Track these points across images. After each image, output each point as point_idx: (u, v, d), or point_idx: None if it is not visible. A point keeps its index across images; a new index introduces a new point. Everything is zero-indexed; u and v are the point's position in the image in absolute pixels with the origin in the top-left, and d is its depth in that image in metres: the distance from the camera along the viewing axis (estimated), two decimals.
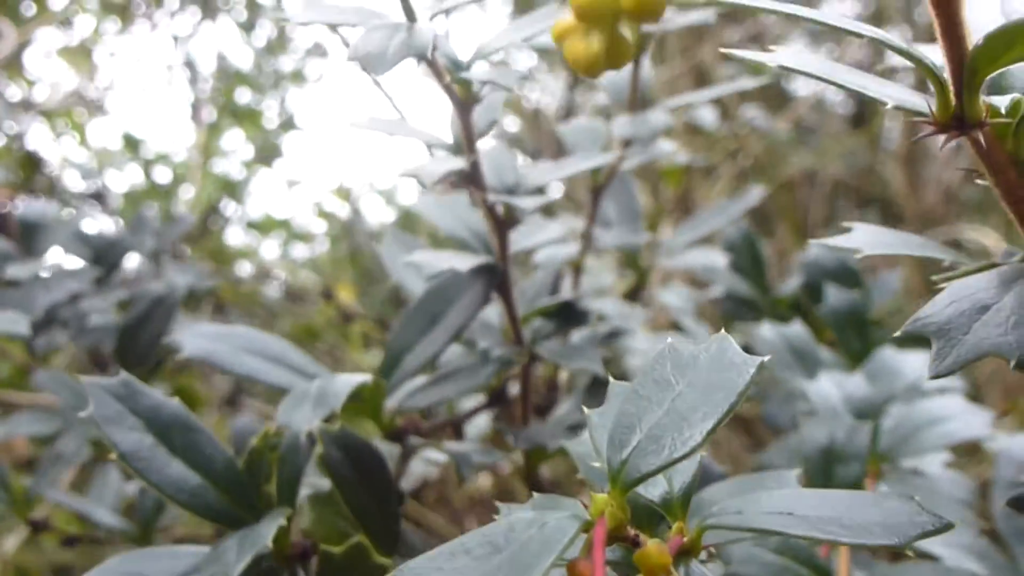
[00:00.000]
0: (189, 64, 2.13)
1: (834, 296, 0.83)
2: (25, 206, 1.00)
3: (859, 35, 0.32)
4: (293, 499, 0.44)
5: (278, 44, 2.18)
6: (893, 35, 0.36)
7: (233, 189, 2.20)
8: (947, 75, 0.33)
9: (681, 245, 0.86)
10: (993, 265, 0.41)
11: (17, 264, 0.92)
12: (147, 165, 2.08)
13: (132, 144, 2.08)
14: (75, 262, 1.00)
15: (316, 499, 0.47)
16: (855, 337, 0.80)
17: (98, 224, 1.87)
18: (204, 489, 0.44)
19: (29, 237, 0.98)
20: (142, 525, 0.92)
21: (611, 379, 0.39)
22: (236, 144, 2.19)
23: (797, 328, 0.77)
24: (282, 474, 0.44)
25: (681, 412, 0.33)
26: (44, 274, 0.93)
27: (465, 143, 0.46)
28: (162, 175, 2.09)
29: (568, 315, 0.57)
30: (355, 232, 2.18)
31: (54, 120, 1.98)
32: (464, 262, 0.49)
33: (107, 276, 0.99)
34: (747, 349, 0.93)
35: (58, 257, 0.99)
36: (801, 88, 2.54)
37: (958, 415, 0.69)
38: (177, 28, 2.10)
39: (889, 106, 0.35)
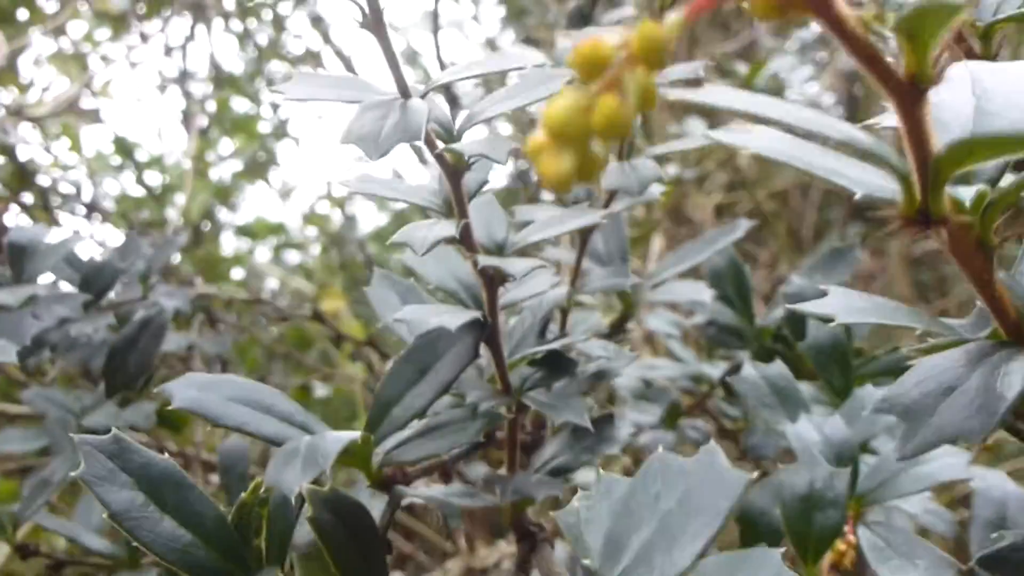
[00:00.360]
0: (182, 72, 2.14)
1: (815, 331, 0.85)
2: (15, 230, 1.00)
3: (828, 137, 0.33)
4: (283, 557, 0.45)
5: (271, 51, 2.18)
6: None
7: (226, 195, 2.21)
8: (912, 171, 0.34)
9: (667, 278, 0.87)
10: (963, 341, 0.43)
11: (5, 290, 0.92)
12: (140, 171, 2.08)
13: (125, 150, 2.08)
14: (64, 286, 1.01)
15: (304, 556, 0.48)
16: (837, 373, 0.82)
17: (90, 235, 1.87)
18: (195, 547, 0.45)
19: (18, 261, 0.98)
20: (129, 548, 0.93)
21: (600, 471, 0.40)
22: (230, 151, 2.20)
23: (778, 367, 0.78)
24: (272, 532, 0.45)
25: (671, 531, 0.34)
26: (33, 300, 0.93)
27: (456, 208, 0.47)
28: (155, 181, 2.09)
29: (555, 364, 0.58)
30: (346, 240, 2.18)
31: (46, 127, 1.98)
32: (453, 319, 0.50)
33: (96, 301, 1.00)
34: (729, 386, 0.93)
35: (47, 281, 1.00)
36: (793, 93, 2.55)
37: (939, 456, 0.70)
38: (170, 36, 2.10)
39: (858, 195, 0.36)
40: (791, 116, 0.34)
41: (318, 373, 1.57)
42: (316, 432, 0.54)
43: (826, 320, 0.45)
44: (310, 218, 2.19)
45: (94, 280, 1.03)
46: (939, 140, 0.35)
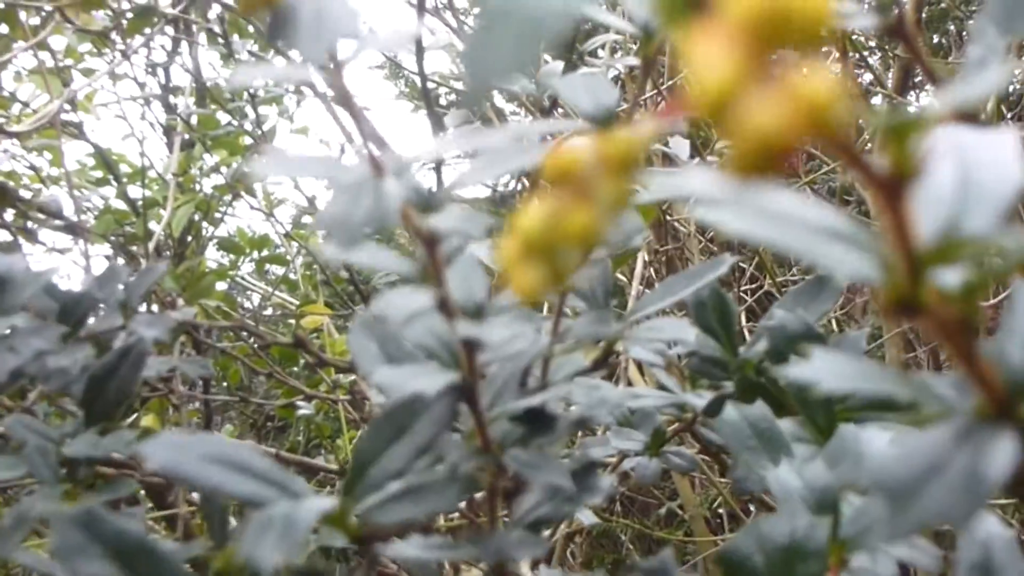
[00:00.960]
0: (165, 86, 2.12)
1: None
2: None
3: (809, 225, 0.33)
4: None
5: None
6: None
7: (209, 209, 2.20)
8: (896, 262, 0.33)
9: (650, 313, 0.86)
10: (949, 411, 0.42)
11: None
12: (121, 185, 2.07)
13: (107, 165, 2.07)
14: (41, 318, 1.00)
15: None
16: (820, 413, 0.81)
17: (71, 251, 1.85)
18: None
19: None
20: None
21: None
22: (214, 167, 2.19)
23: (760, 408, 0.78)
24: None
25: None
26: (10, 333, 0.92)
27: (434, 276, 0.47)
28: (137, 196, 2.07)
29: (536, 420, 0.58)
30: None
31: (27, 143, 1.96)
32: (431, 383, 0.49)
33: (74, 332, 0.99)
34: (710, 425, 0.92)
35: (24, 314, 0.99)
36: None
37: None
38: (154, 52, 2.09)
39: (843, 278, 0.36)
40: (769, 204, 0.34)
41: (301, 395, 1.56)
42: (293, 491, 0.53)
43: (815, 383, 0.45)
44: (293, 233, 2.18)
45: (72, 310, 1.01)
46: (925, 222, 0.35)
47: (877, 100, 2.84)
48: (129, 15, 1.79)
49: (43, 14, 1.83)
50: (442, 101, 2.70)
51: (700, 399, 1.07)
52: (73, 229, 1.64)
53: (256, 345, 1.34)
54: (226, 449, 0.53)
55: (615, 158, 0.27)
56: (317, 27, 0.35)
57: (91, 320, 1.09)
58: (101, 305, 1.05)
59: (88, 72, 2.15)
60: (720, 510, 2.44)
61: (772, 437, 0.75)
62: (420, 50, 1.45)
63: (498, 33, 0.23)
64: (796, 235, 0.37)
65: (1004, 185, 0.38)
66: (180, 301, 1.42)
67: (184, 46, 2.07)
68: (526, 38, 0.23)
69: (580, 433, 1.45)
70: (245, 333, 1.82)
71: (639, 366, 1.99)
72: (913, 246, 0.32)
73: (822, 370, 0.47)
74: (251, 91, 1.95)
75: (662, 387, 1.10)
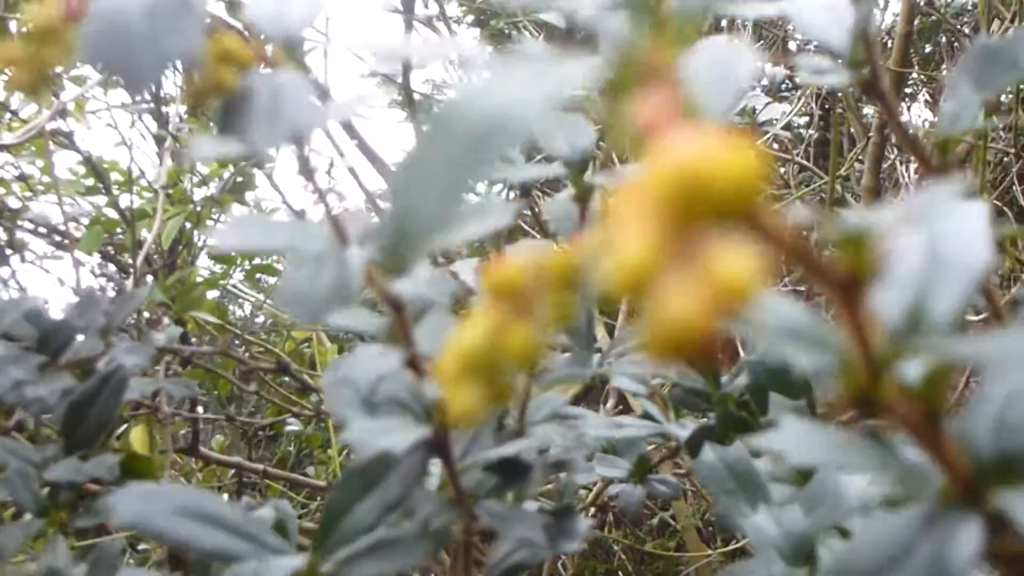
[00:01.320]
0: (155, 97, 2.12)
1: (778, 404, 0.84)
2: None
3: (767, 320, 0.32)
4: None
5: None
6: None
7: (199, 219, 2.19)
8: (855, 358, 0.33)
9: (629, 348, 0.86)
10: (918, 489, 0.42)
11: None
12: (113, 197, 2.06)
13: (97, 175, 2.06)
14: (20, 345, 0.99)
15: None
16: None
17: (60, 260, 1.84)
18: None
19: None
20: None
21: None
22: (203, 179, 2.18)
23: (737, 450, 0.77)
24: None
25: None
26: None
27: (402, 337, 0.46)
28: (127, 205, 2.07)
29: (510, 469, 0.58)
30: None
31: (16, 153, 1.96)
32: (401, 439, 0.49)
33: (53, 361, 0.98)
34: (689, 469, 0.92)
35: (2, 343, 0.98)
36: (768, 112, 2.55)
37: None
38: None
39: (806, 368, 0.36)
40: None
41: (288, 413, 1.55)
42: (265, 544, 0.53)
43: (781, 455, 0.45)
44: None
45: (53, 338, 1.01)
46: (889, 307, 0.35)
47: (868, 111, 2.84)
48: None
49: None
50: (436, 109, 2.69)
51: (683, 429, 1.06)
52: (62, 244, 1.64)
53: (241, 369, 1.34)
54: (197, 501, 0.53)
55: (558, 273, 0.26)
56: (273, 115, 0.35)
57: (77, 339, 1.09)
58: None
59: (80, 80, 2.15)
60: (712, 519, 2.44)
61: (750, 480, 0.75)
62: (407, 66, 1.44)
63: (435, 156, 0.21)
64: (756, 330, 0.37)
65: (971, 265, 0.37)
66: (166, 320, 1.41)
67: None
68: (471, 162, 0.22)
69: None
70: (236, 341, 1.82)
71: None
72: (872, 346, 0.31)
73: (790, 441, 0.47)
74: None
75: (647, 415, 1.10)
